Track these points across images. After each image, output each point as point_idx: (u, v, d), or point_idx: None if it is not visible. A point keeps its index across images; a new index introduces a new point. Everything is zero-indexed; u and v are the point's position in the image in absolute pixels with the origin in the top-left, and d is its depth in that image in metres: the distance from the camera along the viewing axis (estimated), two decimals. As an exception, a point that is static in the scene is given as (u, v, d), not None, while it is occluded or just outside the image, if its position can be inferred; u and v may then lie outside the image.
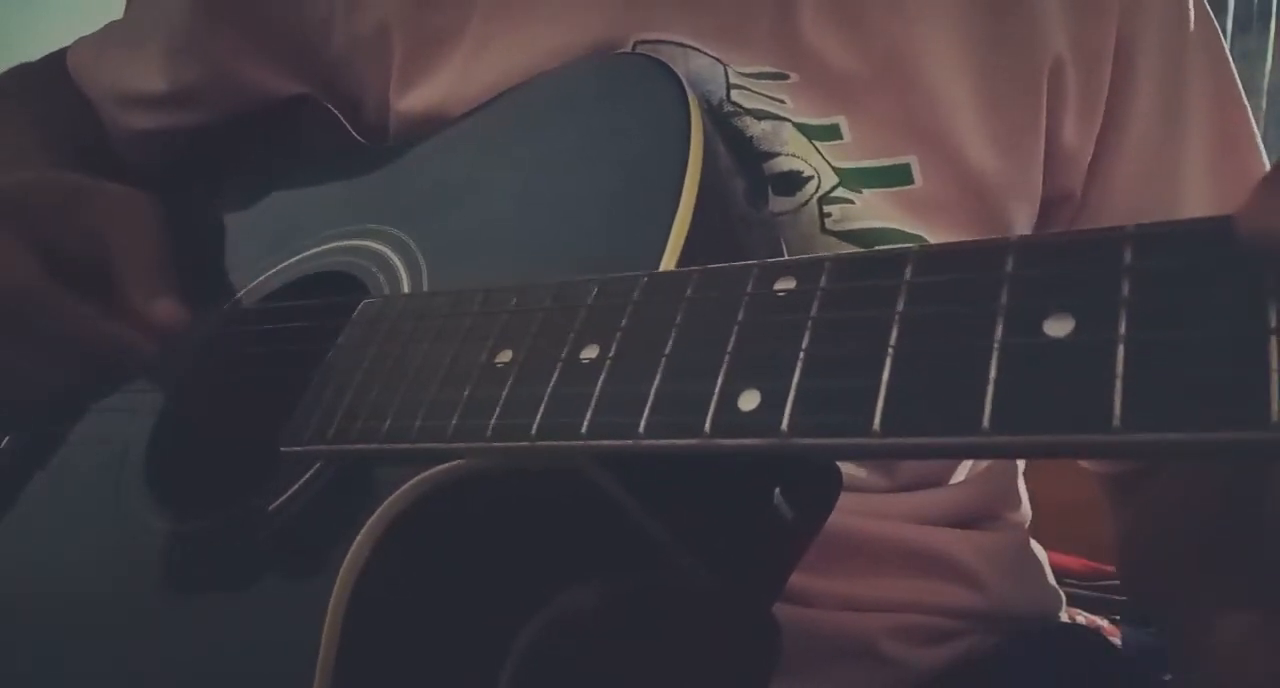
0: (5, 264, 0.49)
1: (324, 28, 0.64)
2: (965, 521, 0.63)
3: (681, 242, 0.41)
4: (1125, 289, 0.26)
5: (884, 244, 0.55)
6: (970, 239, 0.31)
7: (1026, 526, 0.69)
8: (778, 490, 0.40)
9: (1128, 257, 0.27)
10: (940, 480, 0.64)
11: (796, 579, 0.47)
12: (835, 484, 0.42)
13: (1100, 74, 0.58)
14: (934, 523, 0.61)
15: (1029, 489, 0.69)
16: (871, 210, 0.56)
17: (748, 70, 0.56)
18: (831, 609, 0.57)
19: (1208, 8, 0.62)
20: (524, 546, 0.40)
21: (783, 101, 0.56)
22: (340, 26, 0.63)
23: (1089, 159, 0.60)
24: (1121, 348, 0.25)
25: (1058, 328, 0.27)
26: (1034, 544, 0.68)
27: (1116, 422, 0.25)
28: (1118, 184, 0.60)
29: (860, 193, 0.56)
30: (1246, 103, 0.62)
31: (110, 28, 0.75)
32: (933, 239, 0.56)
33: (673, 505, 0.39)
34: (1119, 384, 0.25)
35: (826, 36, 0.56)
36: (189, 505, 0.49)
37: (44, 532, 0.54)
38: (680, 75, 0.48)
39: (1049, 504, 0.73)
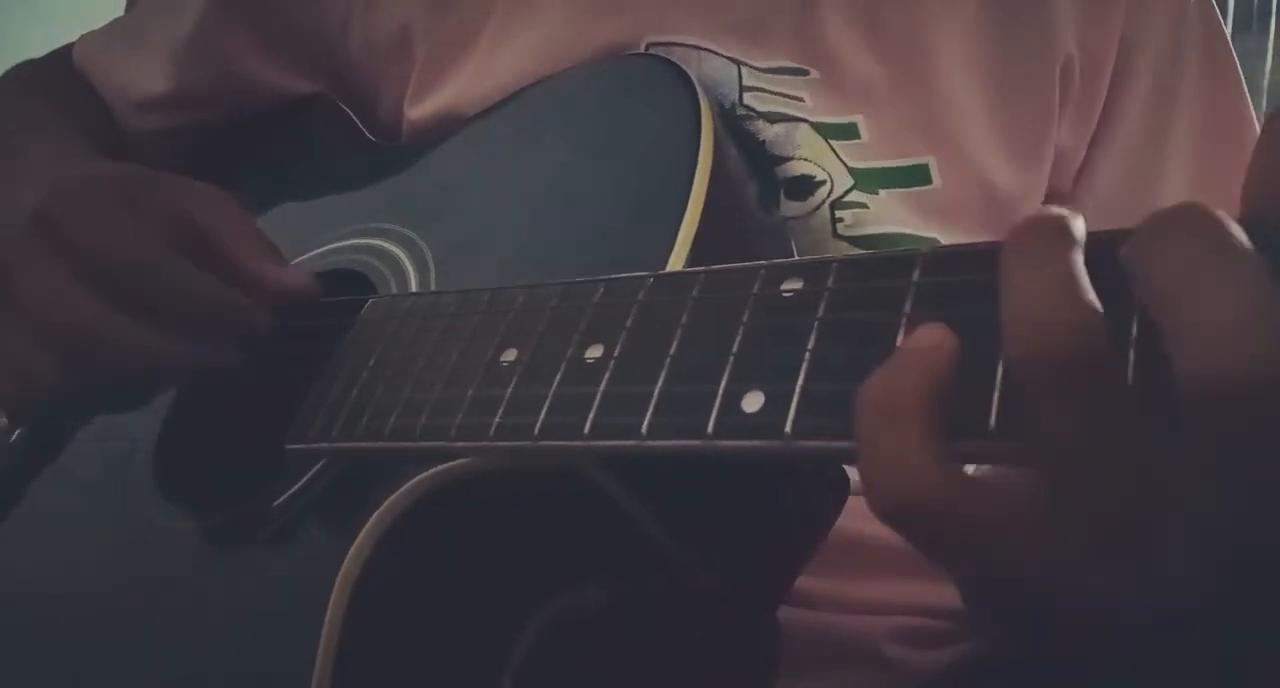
0: (120, 235, 0.45)
1: (342, 30, 0.64)
2: None
3: (689, 244, 0.41)
4: None
5: None
6: (981, 241, 0.31)
7: None
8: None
9: None
10: None
11: (798, 581, 0.47)
12: (842, 489, 0.42)
13: (1100, 78, 0.59)
14: None
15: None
16: (885, 215, 0.56)
17: (766, 66, 0.56)
18: (834, 612, 0.56)
19: (1216, 9, 0.62)
20: (526, 545, 0.40)
21: (800, 100, 0.56)
22: (358, 28, 0.63)
23: (1079, 162, 0.60)
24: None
25: None
26: None
27: None
28: (1100, 188, 0.60)
29: (876, 195, 0.55)
30: (1249, 105, 0.62)
31: (117, 25, 0.74)
32: (946, 243, 0.56)
33: (676, 507, 0.39)
34: None
35: (848, 35, 0.56)
36: (195, 502, 0.49)
37: (50, 527, 0.54)
38: (693, 77, 0.48)
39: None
